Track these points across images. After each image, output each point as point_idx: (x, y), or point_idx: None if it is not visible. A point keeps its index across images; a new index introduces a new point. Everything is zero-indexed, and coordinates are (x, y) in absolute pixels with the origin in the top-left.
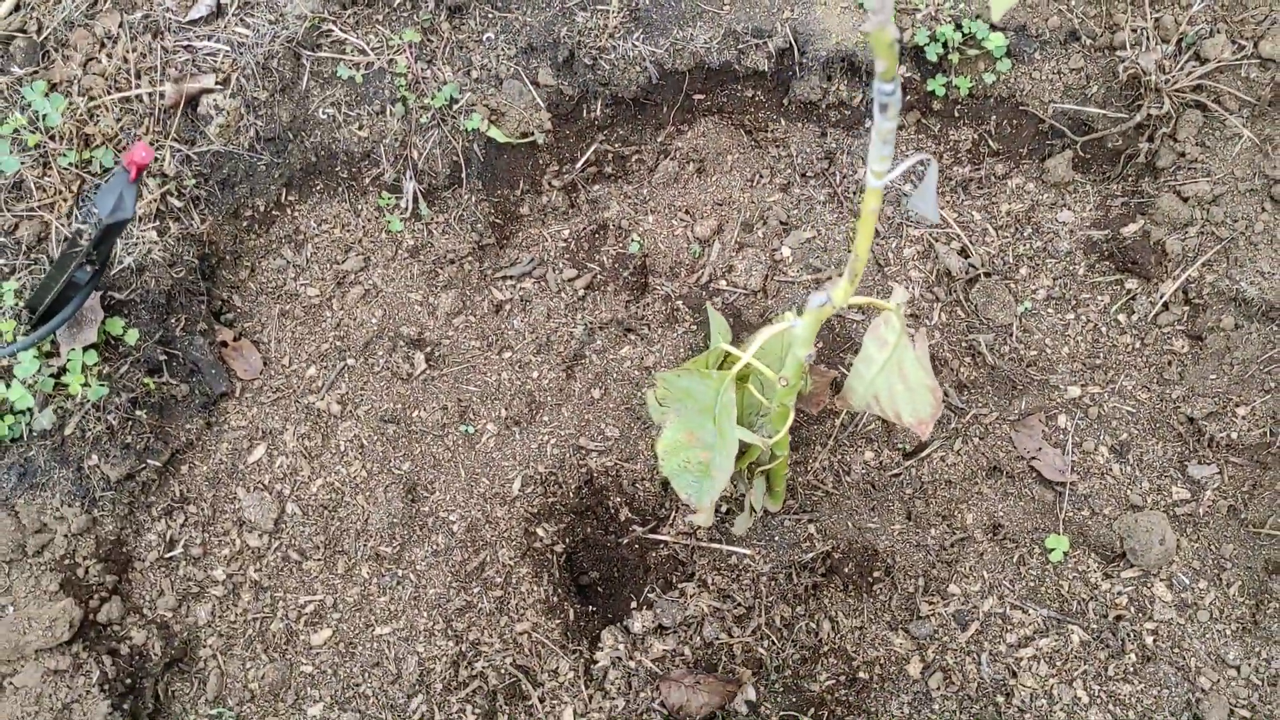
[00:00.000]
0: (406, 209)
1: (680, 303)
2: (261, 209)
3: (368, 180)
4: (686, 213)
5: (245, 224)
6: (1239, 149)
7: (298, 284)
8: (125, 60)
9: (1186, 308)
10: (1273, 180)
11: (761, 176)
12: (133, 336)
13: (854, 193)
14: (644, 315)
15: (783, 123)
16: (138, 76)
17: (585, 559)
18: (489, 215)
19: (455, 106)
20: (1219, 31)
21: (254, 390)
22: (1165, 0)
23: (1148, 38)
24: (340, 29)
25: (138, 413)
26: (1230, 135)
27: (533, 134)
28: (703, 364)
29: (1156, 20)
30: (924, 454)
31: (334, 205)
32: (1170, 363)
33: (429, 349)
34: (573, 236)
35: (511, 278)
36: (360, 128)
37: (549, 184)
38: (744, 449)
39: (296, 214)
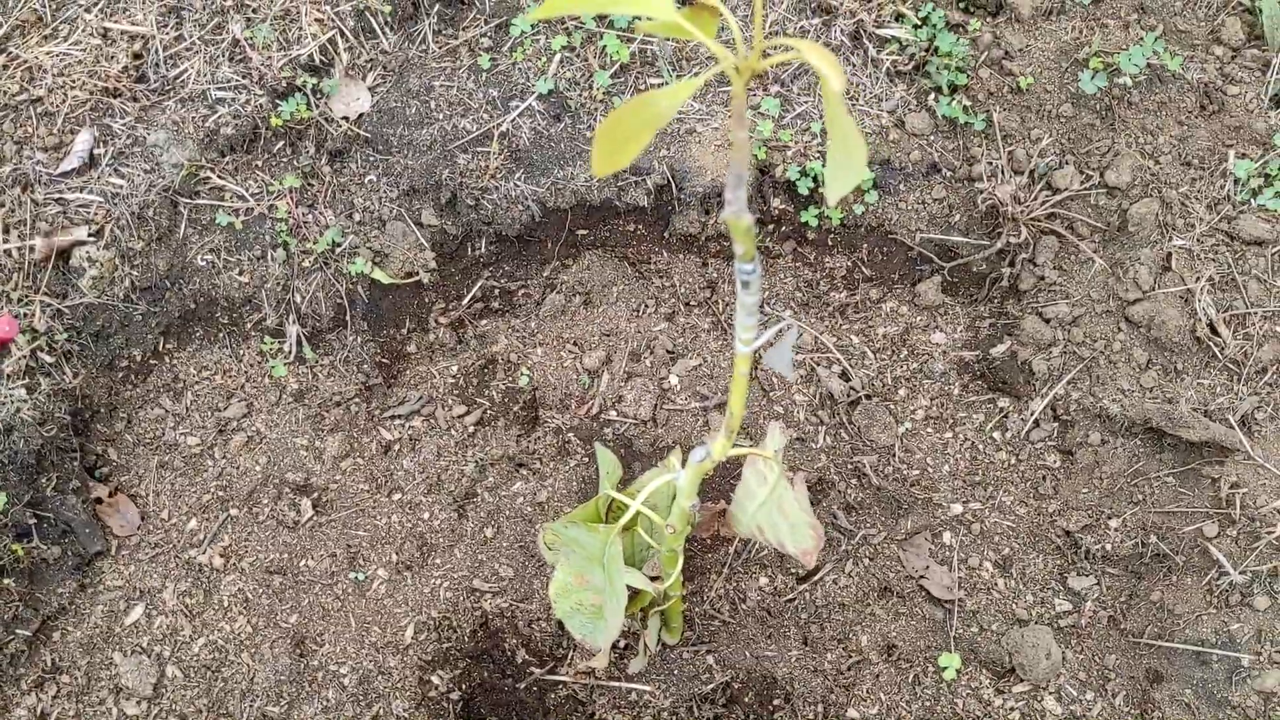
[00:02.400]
0: (290, 353)
1: (572, 435)
2: (138, 359)
3: (249, 325)
4: (575, 344)
5: (121, 375)
6: (1093, 273)
7: (177, 434)
8: None
9: (1056, 424)
10: (1125, 302)
11: (647, 307)
12: (0, 501)
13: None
14: (535, 450)
15: (665, 255)
16: (5, 231)
17: (483, 705)
18: (375, 355)
19: (338, 250)
20: (1068, 163)
21: (131, 547)
22: (1016, 135)
23: (1002, 170)
24: (219, 176)
25: (5, 581)
26: (1084, 260)
27: (418, 273)
28: (591, 510)
29: (1010, 153)
30: (816, 578)
31: (215, 352)
32: (1044, 478)
33: (316, 495)
34: (461, 372)
35: (400, 417)
36: (241, 273)
37: (436, 321)
38: (637, 591)
39: (175, 362)
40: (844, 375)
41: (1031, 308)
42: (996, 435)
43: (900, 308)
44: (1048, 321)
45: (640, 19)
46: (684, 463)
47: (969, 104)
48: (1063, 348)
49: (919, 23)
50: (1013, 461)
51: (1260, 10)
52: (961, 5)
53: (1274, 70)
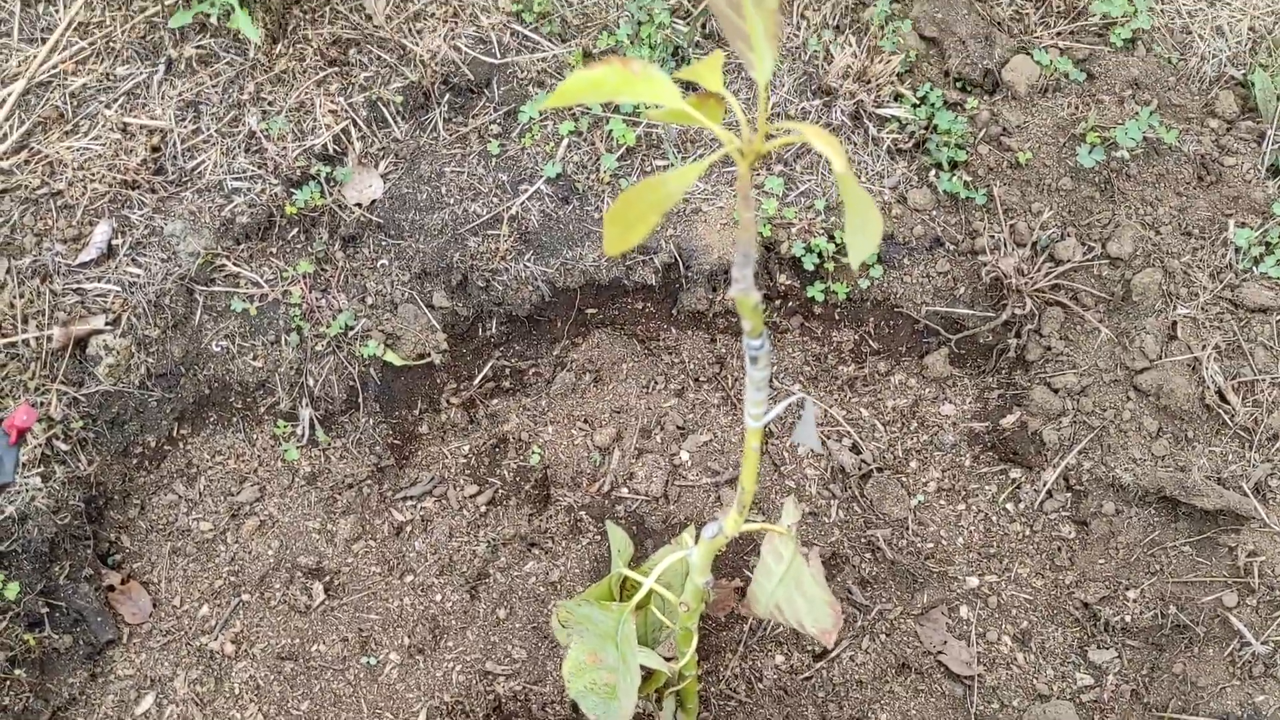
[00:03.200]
0: (303, 436)
1: (584, 513)
2: (152, 445)
3: (263, 409)
4: (585, 422)
5: (135, 461)
6: (1099, 342)
7: (190, 519)
8: (12, 306)
9: (1069, 495)
10: (1133, 371)
11: (656, 383)
12: (12, 590)
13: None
14: (547, 528)
15: (673, 331)
16: (24, 321)
17: None
18: (387, 437)
19: (351, 333)
20: (1069, 235)
21: (142, 635)
22: (1017, 209)
23: (1005, 243)
24: (234, 263)
25: (16, 672)
26: (1090, 330)
27: (429, 355)
28: (604, 588)
29: (1011, 227)
30: (833, 655)
31: (228, 436)
32: (1060, 549)
33: (328, 578)
34: (473, 452)
35: (412, 498)
36: (255, 358)
37: (447, 402)
38: (652, 671)
39: (189, 447)
40: (855, 448)
41: (1039, 378)
42: (1010, 506)
43: (909, 380)
44: (1056, 391)
45: (648, 106)
46: (697, 539)
47: (969, 179)
48: (1072, 417)
49: (917, 102)
50: (1027, 533)
51: (1253, 84)
52: (958, 84)
53: (1270, 141)
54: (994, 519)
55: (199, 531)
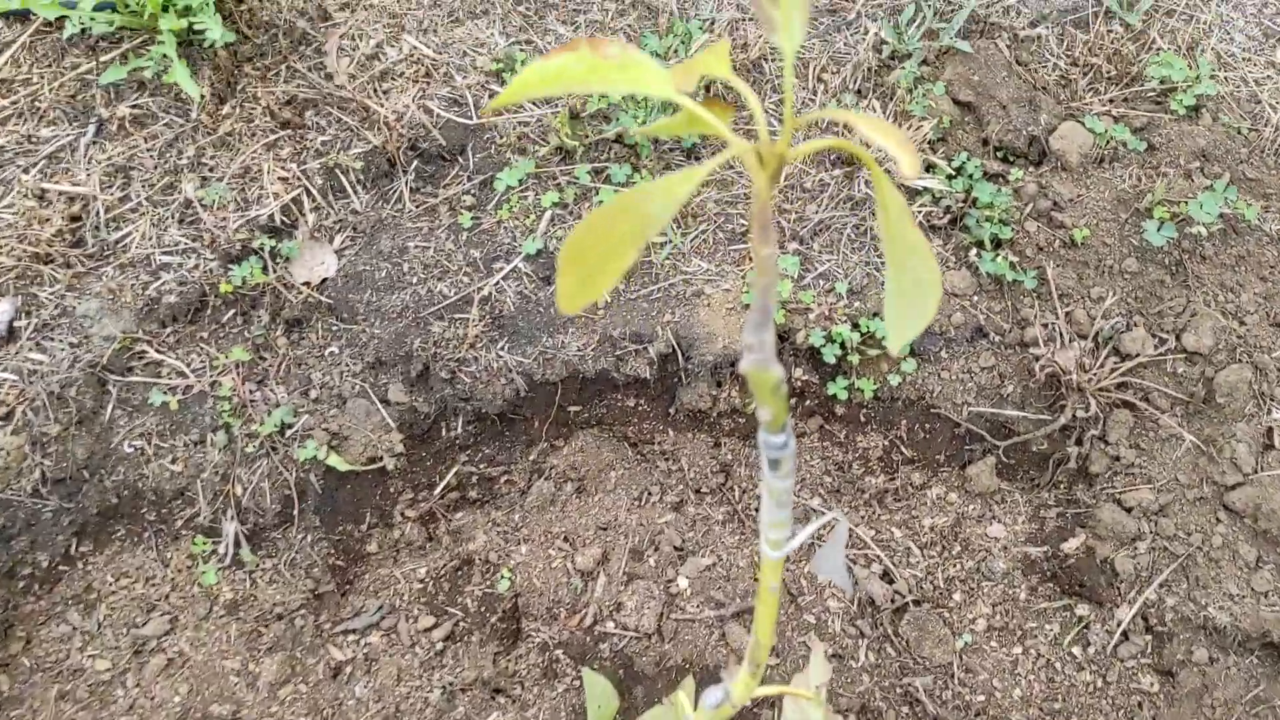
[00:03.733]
0: (226, 555)
1: (561, 652)
2: (45, 565)
3: (180, 523)
4: (565, 540)
5: (22, 585)
6: (1180, 452)
7: (84, 656)
8: None
9: (1149, 637)
10: (1223, 487)
11: (650, 495)
12: None
13: (755, 509)
14: (516, 671)
15: (670, 433)
16: None
17: None
18: (328, 556)
19: (288, 432)
20: (1137, 325)
21: None
22: (1074, 294)
23: (1061, 333)
24: (156, 349)
25: None
26: (1167, 436)
27: (382, 458)
28: None
29: (1068, 314)
30: None
31: (137, 555)
32: (1141, 704)
33: None
34: (430, 576)
35: (354, 632)
36: (174, 461)
37: (402, 515)
38: None
39: (89, 568)
40: (886, 576)
41: (1107, 494)
42: (1077, 651)
43: (949, 494)
44: (1129, 511)
45: (638, 119)
46: (695, 702)
47: (1016, 260)
48: (1150, 542)
49: (953, 173)
50: (1099, 684)
51: None
52: (999, 154)
53: None
54: (1057, 665)
55: (94, 672)
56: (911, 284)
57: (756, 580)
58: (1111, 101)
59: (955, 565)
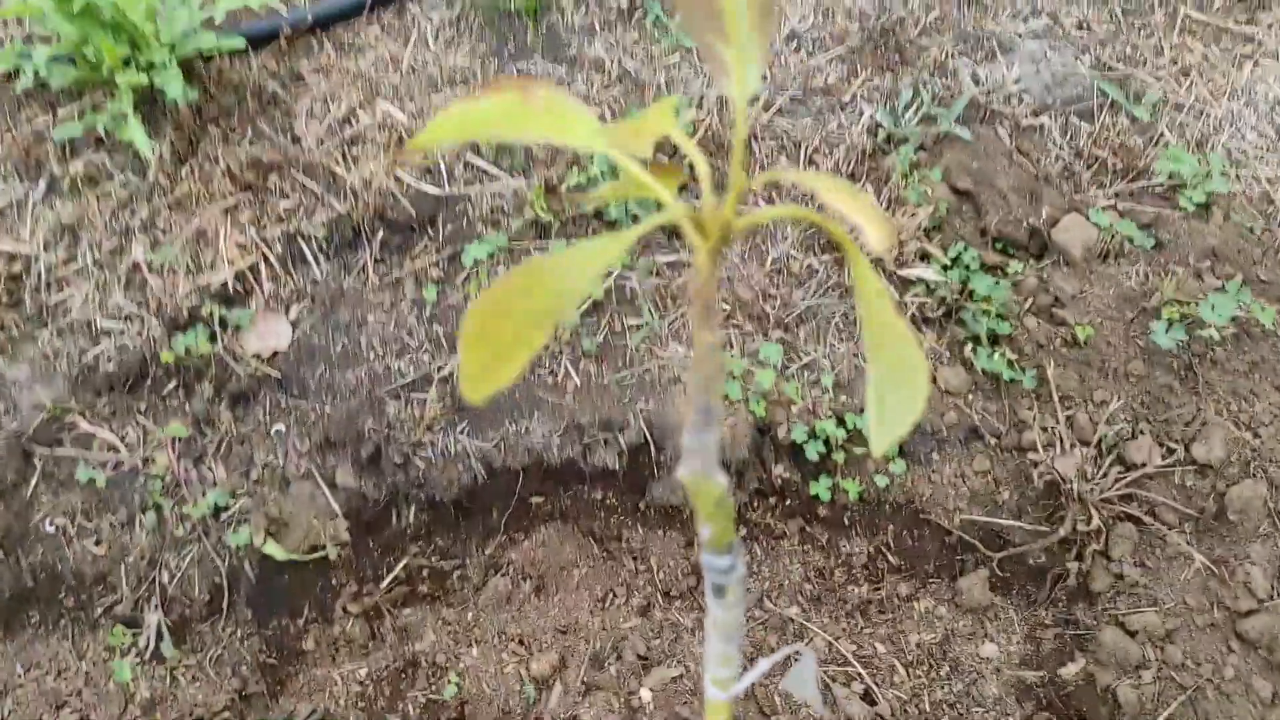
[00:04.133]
0: (146, 649)
1: None
2: None
3: (99, 611)
4: (520, 643)
5: None
6: (1189, 573)
7: None
8: None
9: None
10: (1236, 614)
11: (615, 596)
12: None
13: None
14: None
15: (640, 530)
16: None
17: None
18: (259, 653)
19: (223, 515)
20: (1143, 432)
21: None
22: (1076, 397)
23: (1061, 438)
24: (89, 421)
25: None
26: (1174, 554)
27: (324, 547)
28: None
29: (1069, 418)
30: None
31: (50, 644)
32: None
33: None
34: (372, 678)
35: None
36: (97, 543)
37: (344, 609)
38: None
39: None
40: (868, 696)
41: (1110, 614)
42: None
43: (938, 608)
44: (1133, 635)
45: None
46: None
47: (1014, 357)
48: (1156, 670)
49: (948, 263)
50: None
51: None
52: (998, 246)
53: None
54: None
55: None
56: (894, 375)
57: None
58: (1117, 195)
59: (943, 688)
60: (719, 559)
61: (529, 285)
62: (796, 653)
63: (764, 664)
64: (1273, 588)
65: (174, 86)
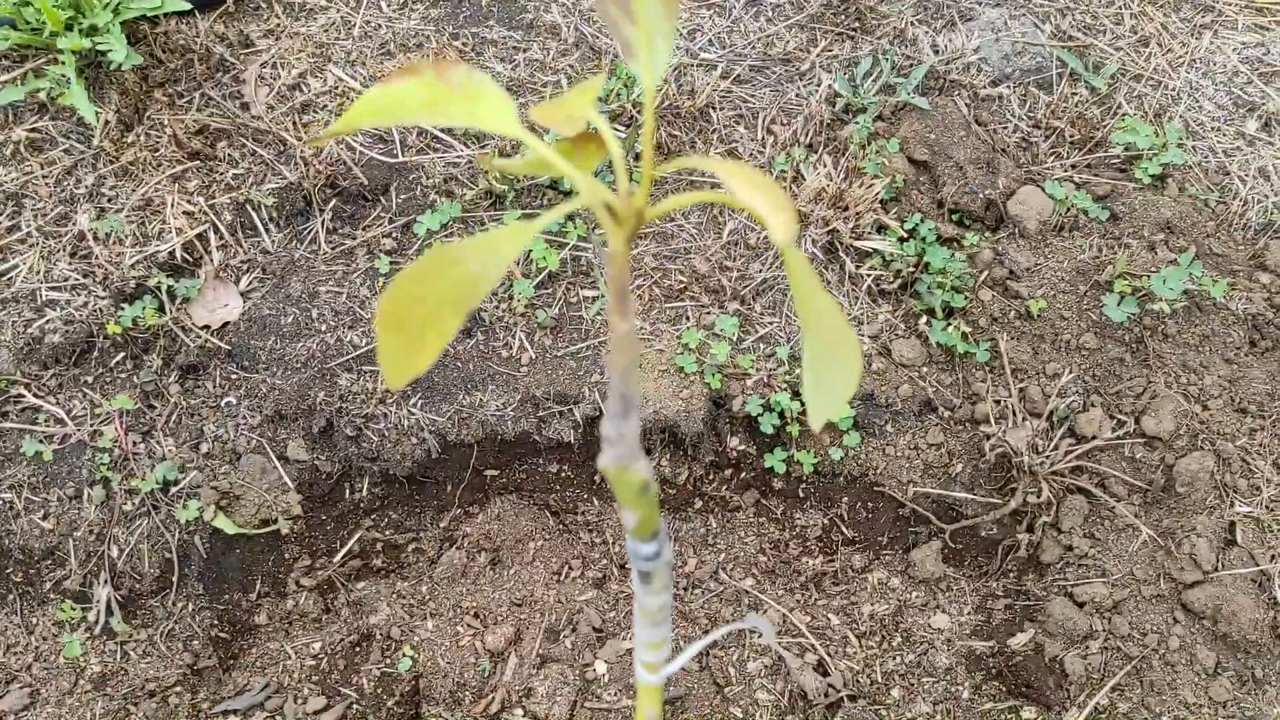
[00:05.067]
0: (96, 623)
1: None
2: None
3: (48, 586)
4: (475, 616)
5: None
6: (1136, 544)
7: None
8: None
9: None
10: (1181, 585)
11: (571, 569)
12: None
13: (685, 588)
14: None
15: (595, 503)
16: None
17: None
18: (210, 627)
19: (172, 489)
20: (1094, 405)
21: None
22: (1029, 369)
23: (1013, 411)
24: (35, 393)
25: None
26: (1123, 527)
27: (276, 521)
28: None
29: (1021, 391)
30: None
31: None
32: None
33: None
34: (325, 651)
35: (235, 712)
36: (45, 517)
37: (297, 583)
38: None
39: None
40: (820, 667)
41: (1059, 586)
42: None
43: (891, 580)
44: (1081, 606)
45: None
46: None
47: (969, 330)
48: (1103, 641)
49: (905, 235)
50: None
51: None
52: (954, 217)
53: None
54: None
55: None
56: (829, 353)
57: (633, 707)
58: (1074, 167)
59: (895, 658)
60: (644, 546)
61: (441, 271)
62: (750, 626)
63: (695, 646)
64: (1218, 559)
65: (118, 50)
